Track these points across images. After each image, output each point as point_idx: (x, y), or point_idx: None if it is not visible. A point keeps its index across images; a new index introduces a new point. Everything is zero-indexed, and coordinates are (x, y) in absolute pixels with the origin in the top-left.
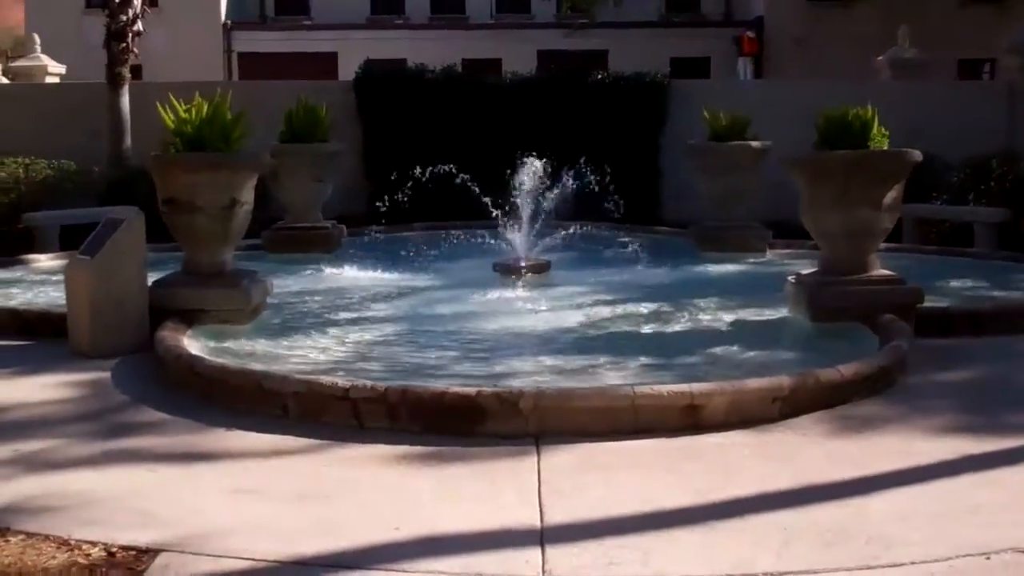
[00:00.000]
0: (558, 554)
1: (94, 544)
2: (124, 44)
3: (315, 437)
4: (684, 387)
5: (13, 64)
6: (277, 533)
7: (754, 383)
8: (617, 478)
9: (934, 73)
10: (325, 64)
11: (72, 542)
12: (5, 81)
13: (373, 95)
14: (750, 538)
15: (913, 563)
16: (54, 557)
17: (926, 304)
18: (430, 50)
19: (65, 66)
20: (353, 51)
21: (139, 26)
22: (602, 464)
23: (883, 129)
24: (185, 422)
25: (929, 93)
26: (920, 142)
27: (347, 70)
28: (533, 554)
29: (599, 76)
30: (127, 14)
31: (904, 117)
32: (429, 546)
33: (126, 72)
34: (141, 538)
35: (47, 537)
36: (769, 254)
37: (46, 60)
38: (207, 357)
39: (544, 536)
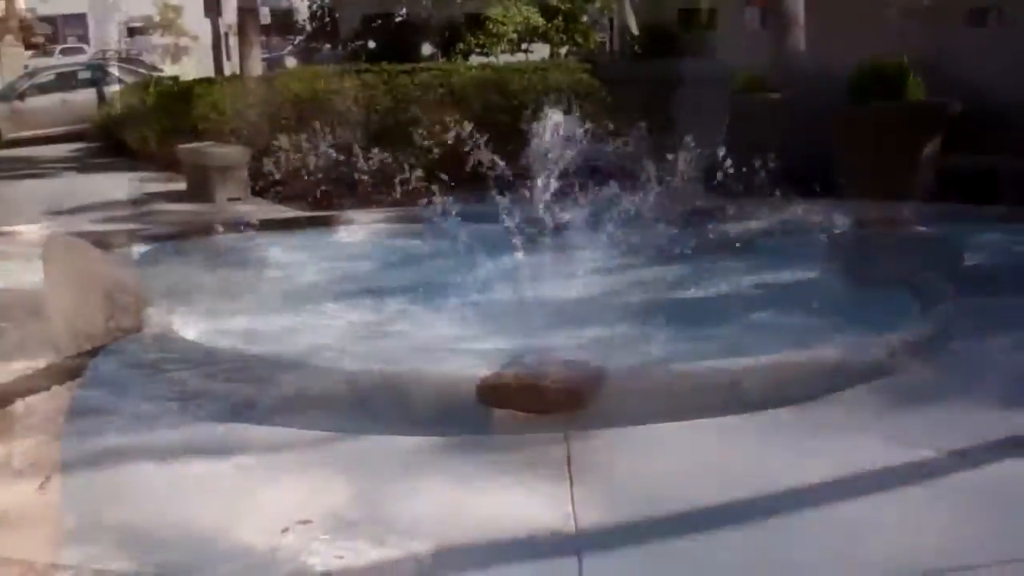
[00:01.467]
0: (595, 564)
1: None
2: None
3: (317, 429)
4: (724, 363)
5: None
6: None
7: (798, 356)
8: (656, 469)
9: (945, 19)
10: None
11: None
12: None
13: None
14: (811, 539)
15: None
16: None
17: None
18: None
19: None
20: None
21: None
22: (639, 453)
23: (918, 79)
24: None
25: (946, 39)
26: (943, 90)
27: None
28: (568, 565)
29: None
30: None
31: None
32: (445, 562)
33: None
34: None
35: None
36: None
37: None
38: None
39: (579, 543)
